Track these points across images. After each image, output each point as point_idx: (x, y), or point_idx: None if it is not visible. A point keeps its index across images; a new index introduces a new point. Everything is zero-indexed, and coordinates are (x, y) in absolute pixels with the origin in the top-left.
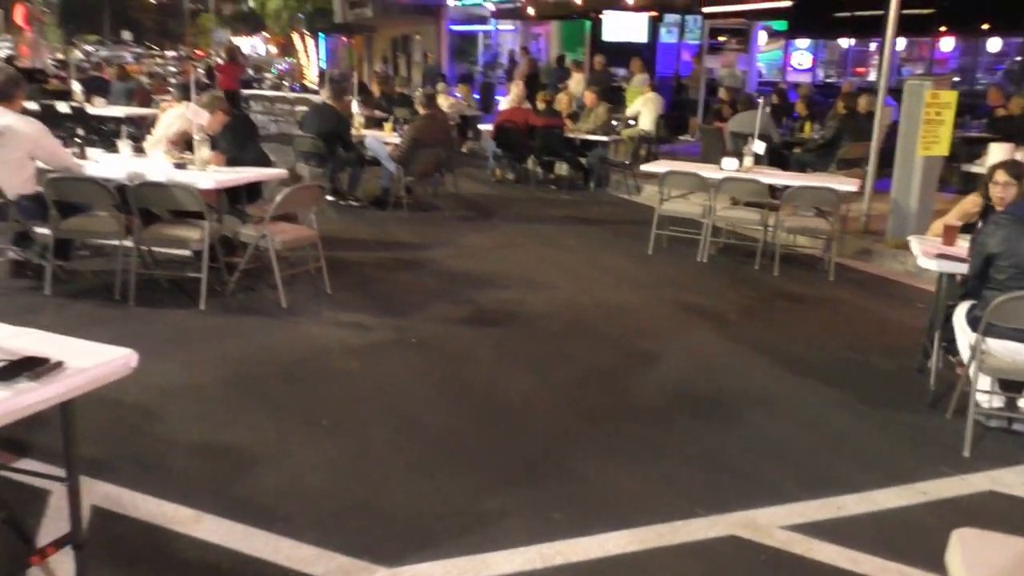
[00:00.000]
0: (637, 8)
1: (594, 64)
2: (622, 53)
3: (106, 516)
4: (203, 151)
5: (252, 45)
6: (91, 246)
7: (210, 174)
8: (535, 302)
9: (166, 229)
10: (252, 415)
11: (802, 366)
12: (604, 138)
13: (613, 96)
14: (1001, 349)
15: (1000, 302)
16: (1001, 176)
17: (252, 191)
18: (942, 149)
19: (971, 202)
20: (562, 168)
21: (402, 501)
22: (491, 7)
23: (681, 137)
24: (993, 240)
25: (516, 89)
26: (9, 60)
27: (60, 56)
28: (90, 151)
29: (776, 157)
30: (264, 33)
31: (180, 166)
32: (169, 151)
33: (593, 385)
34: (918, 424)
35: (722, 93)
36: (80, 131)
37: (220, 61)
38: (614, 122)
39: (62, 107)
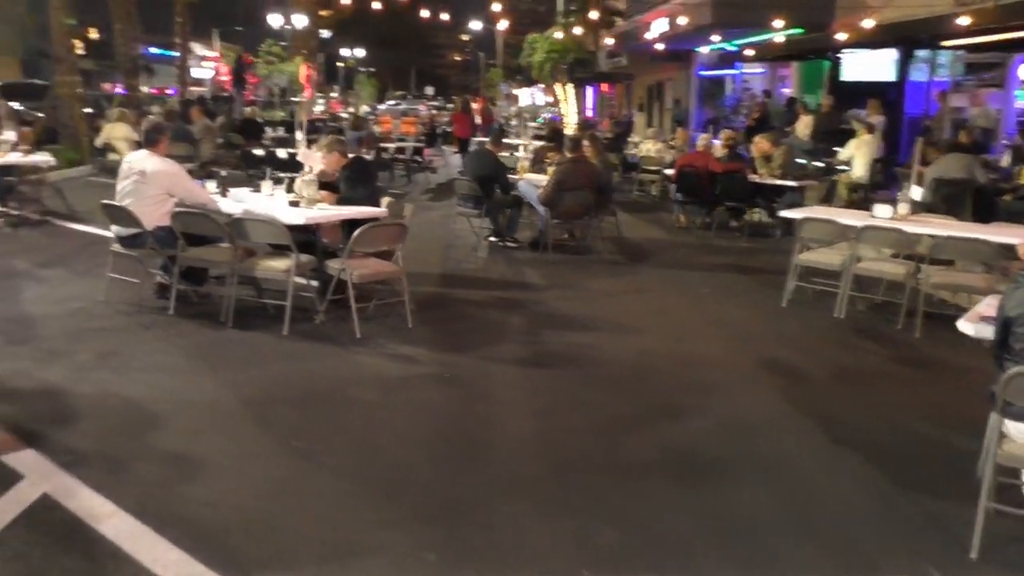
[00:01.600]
0: (875, 44)
1: (822, 106)
2: (866, 93)
3: (46, 504)
4: (311, 190)
5: (532, 95)
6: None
7: (305, 211)
8: (608, 348)
9: (262, 260)
10: (237, 432)
11: (857, 437)
12: (792, 183)
13: (845, 139)
14: (1019, 434)
15: (1012, 376)
16: None
17: None
18: None
19: None
20: (755, 214)
21: (300, 522)
22: (705, 51)
23: None
24: (1011, 301)
25: (709, 135)
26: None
27: (351, 110)
28: (233, 190)
29: (985, 204)
30: (541, 84)
31: (294, 204)
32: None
33: (594, 435)
34: (946, 515)
35: (962, 135)
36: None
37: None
38: (844, 167)
39: (281, 153)
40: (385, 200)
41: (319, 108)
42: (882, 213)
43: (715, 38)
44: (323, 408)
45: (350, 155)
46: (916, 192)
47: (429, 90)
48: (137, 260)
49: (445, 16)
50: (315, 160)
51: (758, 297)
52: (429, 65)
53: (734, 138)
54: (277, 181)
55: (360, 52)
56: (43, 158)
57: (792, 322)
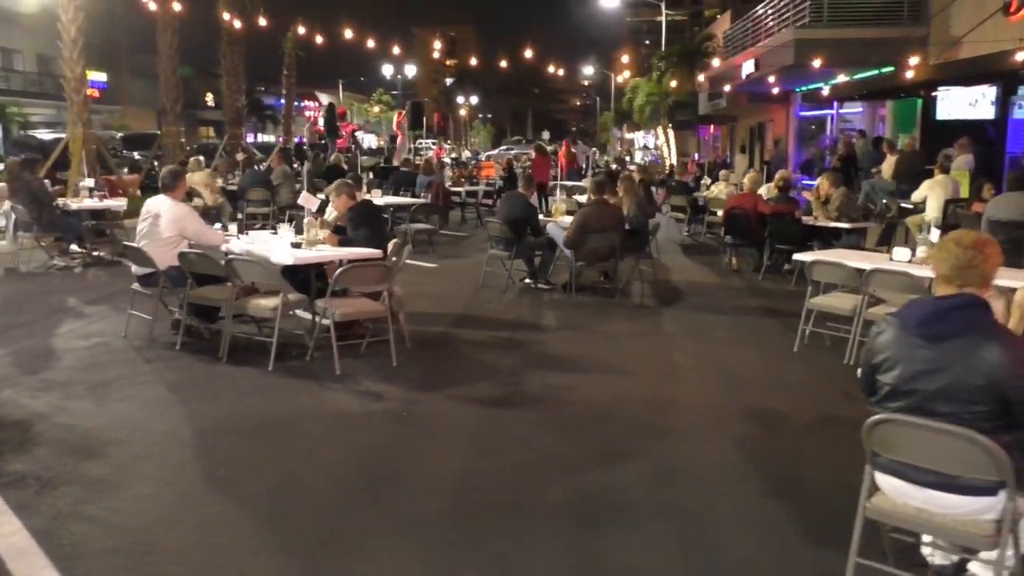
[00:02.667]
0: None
1: (906, 145)
2: (963, 131)
3: None
4: (312, 232)
5: (642, 138)
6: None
7: (297, 252)
8: (585, 390)
9: (253, 298)
10: (173, 461)
11: (796, 490)
12: (846, 225)
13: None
14: (887, 487)
15: (872, 425)
16: None
17: None
18: None
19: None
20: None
21: (182, 547)
22: (774, 90)
23: None
24: (875, 344)
25: (757, 174)
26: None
27: (454, 155)
28: (253, 232)
29: None
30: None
31: (296, 245)
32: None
33: (517, 477)
34: (843, 573)
35: None
36: None
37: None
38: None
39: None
40: (392, 242)
41: (429, 154)
42: (900, 256)
43: (771, 79)
44: (267, 440)
45: (364, 197)
46: (935, 235)
47: (545, 135)
48: (153, 298)
49: (563, 62)
50: (314, 203)
51: (775, 342)
52: (547, 110)
53: (786, 179)
54: (290, 222)
55: (474, 99)
56: (116, 203)
57: (798, 368)
